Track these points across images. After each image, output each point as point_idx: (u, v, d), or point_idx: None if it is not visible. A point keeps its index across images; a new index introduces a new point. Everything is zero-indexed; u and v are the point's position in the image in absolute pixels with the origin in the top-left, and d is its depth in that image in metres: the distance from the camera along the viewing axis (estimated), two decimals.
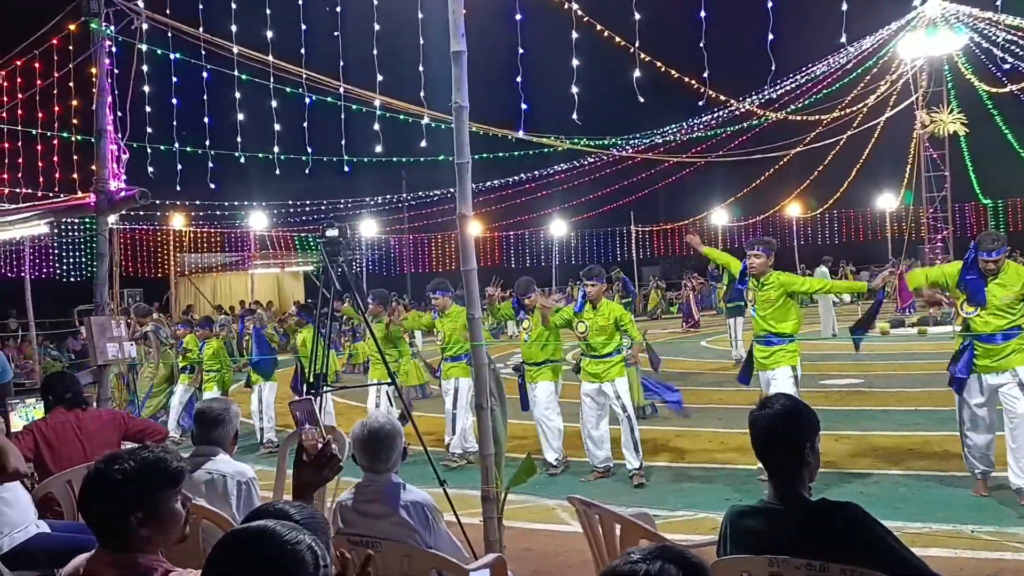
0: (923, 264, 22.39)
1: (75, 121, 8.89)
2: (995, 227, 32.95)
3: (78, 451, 4.69)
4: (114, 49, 6.97)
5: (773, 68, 6.47)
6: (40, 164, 9.97)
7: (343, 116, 9.30)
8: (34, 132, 9.52)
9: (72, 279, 25.75)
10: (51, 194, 9.41)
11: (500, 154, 19.82)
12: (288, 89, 9.12)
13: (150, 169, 8.67)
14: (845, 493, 6.08)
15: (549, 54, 8.33)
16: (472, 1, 4.37)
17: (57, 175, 9.55)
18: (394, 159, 21.26)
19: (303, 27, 8.34)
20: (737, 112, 21.77)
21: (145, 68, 7.44)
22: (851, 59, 21.43)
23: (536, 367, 7.77)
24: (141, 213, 22.65)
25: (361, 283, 28.72)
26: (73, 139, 9.39)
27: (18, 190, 10.22)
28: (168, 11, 7.41)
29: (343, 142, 9.68)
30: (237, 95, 8.88)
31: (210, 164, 10.30)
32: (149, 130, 8.20)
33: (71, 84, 8.27)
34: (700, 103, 16.43)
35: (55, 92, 8.54)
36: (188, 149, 10.29)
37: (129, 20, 6.93)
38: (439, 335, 8.47)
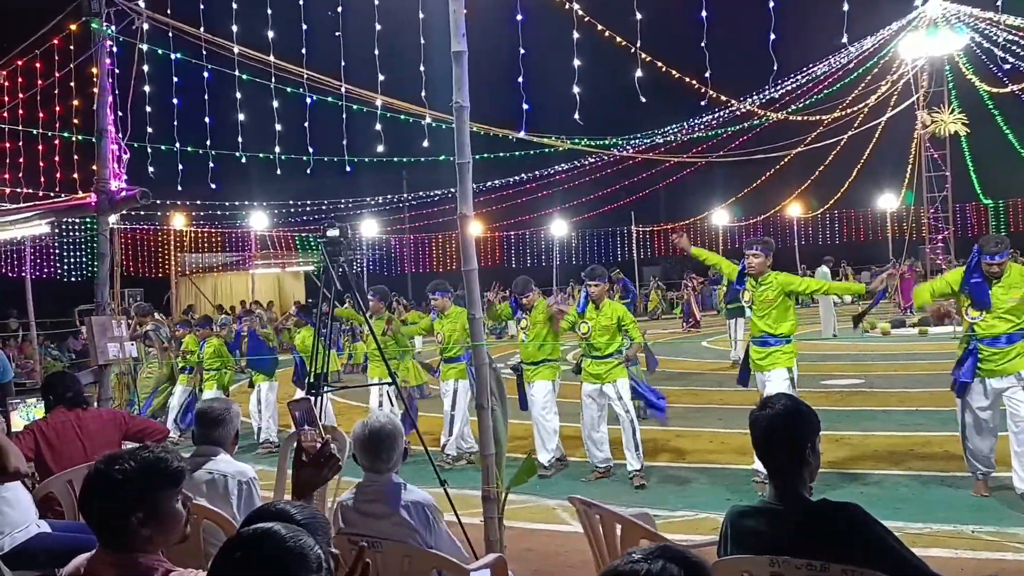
0: (923, 264, 22.44)
1: (76, 121, 8.90)
2: (996, 227, 32.98)
3: (79, 451, 4.69)
4: (115, 49, 6.97)
5: (775, 68, 6.45)
6: (41, 164, 9.98)
7: (344, 116, 9.31)
8: (35, 132, 9.52)
9: (73, 279, 25.76)
10: (52, 194, 9.42)
11: (501, 154, 19.82)
12: (289, 89, 9.12)
13: (151, 169, 8.68)
14: (846, 493, 6.08)
15: (550, 54, 8.34)
16: (473, 1, 4.37)
17: (58, 175, 9.57)
18: (395, 159, 21.27)
19: (304, 27, 8.35)
20: (738, 112, 21.76)
21: (146, 68, 7.44)
22: (852, 59, 21.42)
23: (534, 366, 7.77)
24: (142, 213, 22.66)
25: (362, 283, 28.71)
26: (74, 139, 9.40)
27: (19, 190, 10.23)
28: (169, 11, 7.41)
29: (344, 142, 9.69)
30: (238, 95, 8.88)
31: (211, 164, 10.31)
32: (150, 130, 8.20)
33: (72, 84, 8.28)
34: (702, 103, 16.43)
35: (56, 92, 8.54)
36: (189, 149, 10.30)
37: (130, 20, 6.93)
38: (438, 336, 8.47)
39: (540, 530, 5.91)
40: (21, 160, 10.08)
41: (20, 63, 8.50)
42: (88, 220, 19.37)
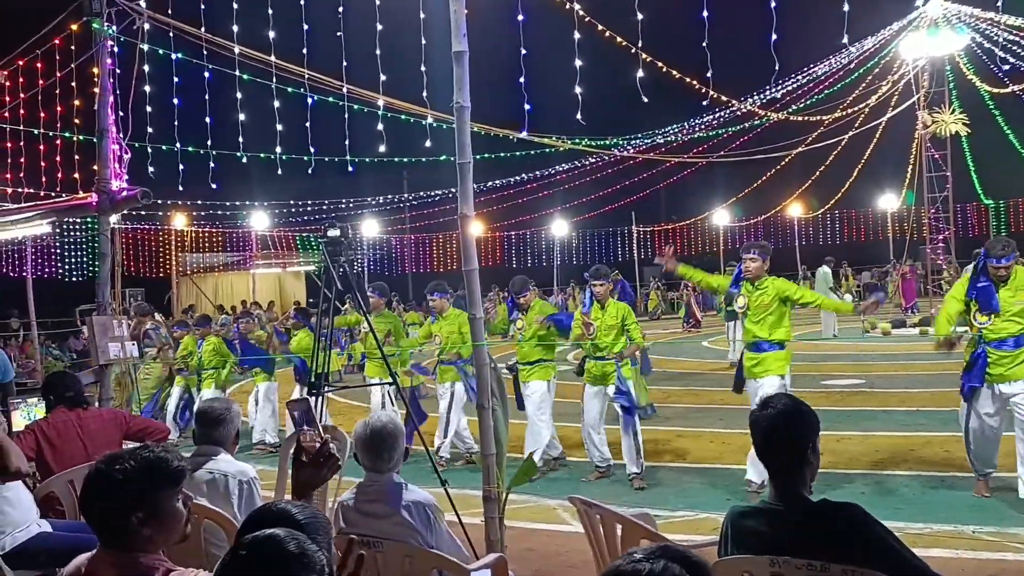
0: (924, 265, 22.43)
1: (77, 121, 8.90)
2: (997, 228, 32.95)
3: (80, 450, 4.70)
4: (116, 49, 6.97)
5: (776, 68, 6.44)
6: (42, 164, 9.98)
7: (346, 116, 9.31)
8: (36, 132, 9.52)
9: (74, 279, 25.78)
10: (53, 194, 9.42)
11: (502, 154, 19.82)
12: (290, 89, 9.12)
13: (151, 169, 8.68)
14: (846, 494, 6.08)
15: (550, 54, 8.32)
16: (473, 1, 4.37)
17: (59, 175, 9.57)
18: (396, 159, 21.27)
19: (305, 27, 8.35)
20: (739, 112, 21.75)
21: (147, 68, 7.44)
22: (853, 59, 21.42)
23: (530, 366, 7.75)
24: (143, 213, 22.69)
25: (363, 283, 28.70)
26: (75, 139, 9.40)
27: (20, 189, 10.23)
28: (170, 11, 7.41)
29: (347, 142, 9.69)
30: (239, 95, 8.88)
31: (211, 164, 10.31)
32: (150, 130, 8.20)
33: (73, 84, 8.28)
34: (704, 103, 16.45)
35: (57, 92, 8.54)
36: (190, 149, 10.31)
37: (131, 20, 6.93)
38: (436, 338, 8.45)
39: (541, 530, 5.91)
40: (22, 160, 10.09)
41: (21, 63, 8.50)
42: (89, 220, 19.39)
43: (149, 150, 8.51)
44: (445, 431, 8.18)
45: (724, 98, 19.93)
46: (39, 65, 8.27)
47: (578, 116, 7.17)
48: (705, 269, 7.58)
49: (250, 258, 31.24)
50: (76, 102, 8.54)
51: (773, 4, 6.10)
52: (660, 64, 13.91)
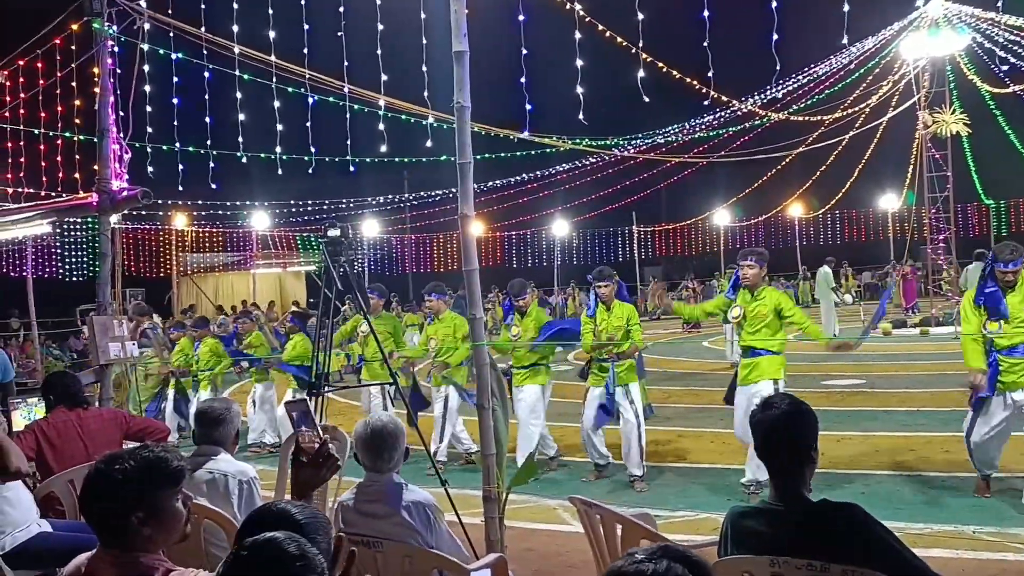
0: (925, 265, 22.41)
1: (77, 121, 8.91)
2: (997, 228, 32.95)
3: (80, 450, 4.70)
4: (116, 49, 6.97)
5: (778, 68, 6.43)
6: (43, 164, 9.99)
7: (348, 116, 9.31)
8: (37, 132, 9.53)
9: (74, 279, 25.79)
10: (53, 194, 9.43)
11: (502, 154, 19.81)
12: (290, 89, 9.12)
13: (150, 169, 8.67)
14: (847, 494, 6.08)
15: (551, 54, 8.32)
16: (474, 1, 4.37)
17: (60, 175, 9.58)
18: (396, 159, 21.27)
19: (306, 27, 8.35)
20: (739, 112, 21.74)
21: (147, 68, 7.44)
22: (854, 59, 21.40)
23: (524, 370, 7.72)
24: (143, 213, 22.70)
25: (363, 283, 28.71)
26: (75, 139, 9.41)
27: (21, 189, 10.24)
28: (170, 11, 7.41)
29: (348, 142, 9.70)
30: (239, 95, 8.89)
31: (211, 164, 10.31)
32: (150, 130, 8.20)
33: (74, 84, 8.28)
34: (705, 103, 16.44)
35: (58, 92, 8.55)
36: (191, 149, 10.31)
37: (131, 20, 6.93)
38: (432, 341, 8.43)
39: (541, 530, 5.91)
40: (23, 160, 10.09)
41: (22, 63, 8.51)
42: (89, 220, 19.40)
43: (149, 150, 8.51)
44: (440, 435, 8.13)
45: (725, 98, 19.92)
46: (39, 65, 8.28)
47: (580, 116, 7.17)
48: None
49: (250, 258, 31.26)
50: (76, 102, 8.55)
51: (774, 4, 6.10)
52: (661, 64, 13.90)
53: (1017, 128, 22.30)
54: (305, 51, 8.58)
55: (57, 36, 7.79)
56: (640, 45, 8.00)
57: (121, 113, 6.98)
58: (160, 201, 21.09)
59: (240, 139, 9.76)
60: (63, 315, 19.72)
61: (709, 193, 33.57)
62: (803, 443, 2.64)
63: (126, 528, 2.14)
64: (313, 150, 9.67)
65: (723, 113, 21.89)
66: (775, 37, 6.17)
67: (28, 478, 4.35)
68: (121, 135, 6.93)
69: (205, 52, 8.09)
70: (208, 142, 9.87)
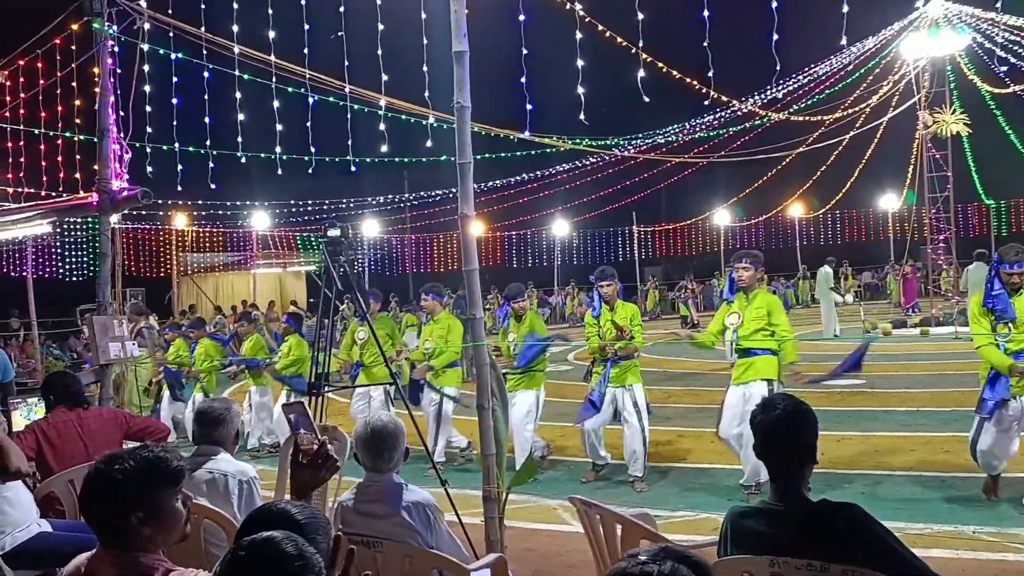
0: (925, 265, 22.42)
1: (78, 121, 8.92)
2: (998, 228, 32.95)
3: (80, 450, 4.70)
4: (116, 49, 6.98)
5: (778, 68, 6.43)
6: (43, 164, 10.00)
7: (348, 116, 9.31)
8: (37, 132, 9.53)
9: (74, 279, 25.81)
10: (54, 194, 9.44)
11: (502, 154, 19.82)
12: (290, 89, 9.13)
13: (149, 169, 8.68)
14: (846, 494, 6.08)
15: (551, 54, 8.33)
16: (474, 1, 4.37)
17: (60, 175, 9.58)
18: (396, 159, 21.28)
19: (306, 27, 8.36)
20: (739, 112, 21.74)
21: (147, 68, 7.45)
22: (854, 59, 21.41)
23: (518, 375, 7.68)
24: (144, 213, 22.71)
25: (363, 283, 28.73)
26: (76, 139, 9.41)
27: (21, 189, 10.24)
28: (170, 11, 7.42)
29: (350, 142, 9.71)
30: (238, 95, 8.89)
31: (211, 164, 10.32)
32: (149, 130, 8.21)
33: (74, 84, 8.29)
34: (705, 103, 16.45)
35: (58, 92, 8.56)
36: (191, 149, 10.32)
37: (131, 20, 6.93)
38: (428, 343, 8.41)
39: (541, 530, 5.91)
40: (23, 160, 10.10)
41: (22, 63, 8.51)
42: (90, 220, 19.43)
43: (149, 150, 8.52)
44: (435, 438, 8.10)
45: (725, 98, 19.92)
46: (40, 65, 8.29)
47: (581, 116, 7.18)
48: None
49: (251, 258, 31.27)
50: (77, 102, 8.56)
51: (774, 4, 6.10)
52: (661, 64, 13.90)
53: (1017, 128, 22.30)
54: (305, 51, 8.58)
55: (57, 36, 7.80)
56: (640, 45, 8.01)
57: (121, 113, 6.99)
58: (160, 201, 21.11)
59: (239, 139, 9.77)
60: (63, 315, 19.73)
61: (709, 193, 33.59)
62: (803, 443, 2.64)
63: (126, 528, 2.14)
64: (313, 150, 9.68)
65: (723, 113, 21.89)
66: (775, 37, 6.17)
67: (28, 478, 4.35)
68: (121, 135, 6.93)
69: (205, 52, 8.10)
70: (208, 142, 9.88)
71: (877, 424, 8.78)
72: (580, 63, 6.88)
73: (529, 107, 7.66)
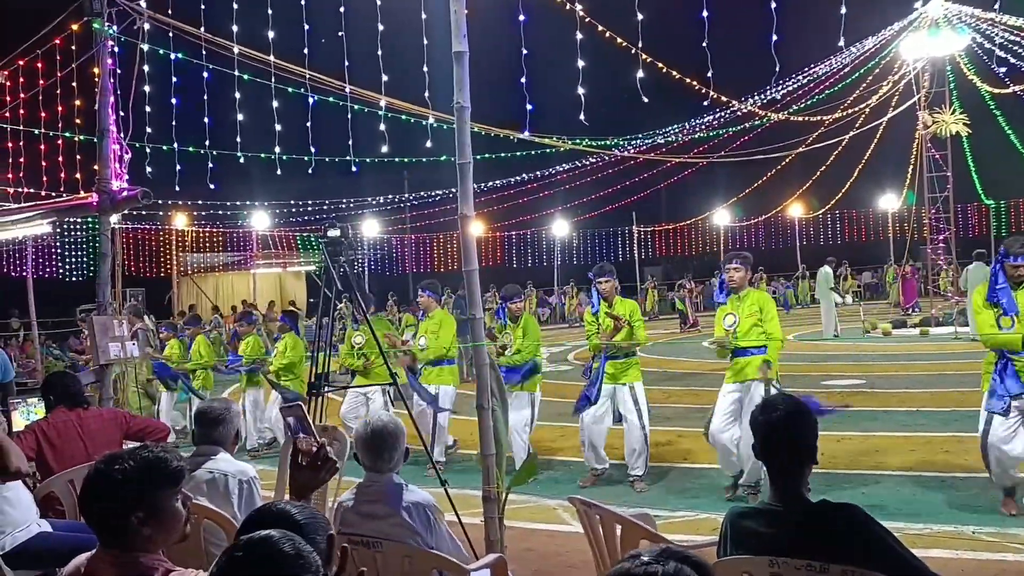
0: (925, 265, 22.42)
1: (78, 121, 8.92)
2: (997, 228, 32.92)
3: (80, 450, 4.70)
4: (116, 49, 6.98)
5: (777, 69, 6.43)
6: (43, 164, 10.00)
7: (349, 116, 9.31)
8: (37, 132, 9.53)
9: (74, 279, 25.81)
10: (54, 194, 9.43)
11: (502, 154, 19.82)
12: (290, 89, 9.13)
13: (149, 169, 8.69)
14: (846, 494, 6.07)
15: (551, 55, 8.33)
16: (474, 2, 4.37)
17: (63, 175, 9.58)
18: (396, 159, 21.27)
19: (306, 27, 8.36)
20: (739, 113, 21.74)
21: (147, 68, 7.45)
22: (854, 59, 21.41)
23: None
24: (144, 213, 22.71)
25: (363, 283, 28.75)
26: (76, 139, 9.41)
27: (21, 189, 10.24)
28: (170, 11, 7.42)
29: (350, 142, 9.71)
30: (238, 95, 8.89)
31: (210, 164, 10.32)
32: (149, 130, 8.21)
33: (74, 84, 8.29)
34: (705, 103, 16.44)
35: (58, 92, 8.56)
36: (191, 149, 10.32)
37: (131, 20, 6.93)
38: (422, 339, 8.40)
39: (540, 530, 5.91)
40: (23, 160, 10.10)
41: (22, 63, 8.51)
42: (89, 220, 19.44)
43: (149, 150, 8.52)
44: (434, 437, 8.08)
45: (724, 98, 19.92)
46: (40, 65, 8.29)
47: (581, 117, 7.18)
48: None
49: (251, 258, 31.27)
50: (77, 102, 8.55)
51: (773, 5, 6.10)
52: (660, 65, 13.91)
53: (1017, 128, 22.29)
54: (305, 51, 8.58)
55: (57, 36, 7.80)
56: (640, 46, 8.01)
57: (121, 113, 6.99)
58: (160, 201, 21.09)
59: (238, 139, 9.77)
60: (63, 315, 19.73)
61: (709, 193, 33.58)
62: (803, 443, 2.65)
63: (126, 528, 2.14)
64: (313, 150, 9.68)
65: (723, 113, 21.89)
66: (774, 38, 6.18)
67: (28, 478, 4.35)
68: (121, 135, 6.93)
69: (204, 52, 8.10)
70: (207, 142, 9.89)
71: (877, 424, 8.78)
72: (580, 63, 6.88)
73: (529, 107, 7.66)
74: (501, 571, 3.43)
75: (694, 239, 37.95)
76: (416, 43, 7.38)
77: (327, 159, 12.69)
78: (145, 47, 7.21)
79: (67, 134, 9.43)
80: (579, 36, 7.09)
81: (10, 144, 9.76)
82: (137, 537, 2.15)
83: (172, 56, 7.90)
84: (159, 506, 2.19)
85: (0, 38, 9.63)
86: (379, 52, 7.85)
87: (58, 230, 23.73)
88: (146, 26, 7.04)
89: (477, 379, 4.30)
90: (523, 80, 7.10)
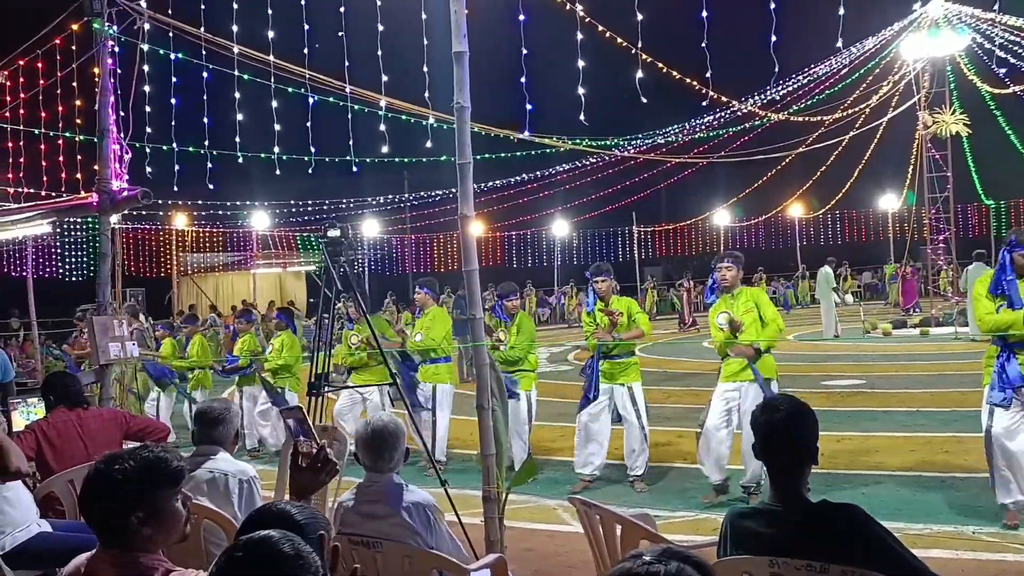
0: (925, 265, 22.42)
1: (78, 121, 8.92)
2: (998, 228, 32.92)
3: (80, 450, 4.70)
4: (116, 49, 6.98)
5: (776, 70, 6.44)
6: (43, 164, 10.00)
7: (349, 117, 9.32)
8: (37, 132, 9.54)
9: (74, 279, 25.81)
10: (54, 194, 9.44)
11: (502, 154, 19.83)
12: (290, 89, 9.13)
13: (149, 169, 8.68)
14: (846, 494, 6.07)
15: (551, 55, 8.34)
16: (474, 2, 4.37)
17: (64, 175, 9.58)
18: (396, 159, 21.28)
19: (306, 27, 8.36)
20: (739, 113, 21.75)
21: (147, 68, 7.45)
22: (854, 60, 21.42)
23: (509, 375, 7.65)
24: (144, 212, 22.72)
25: (363, 283, 28.74)
26: (76, 139, 9.42)
27: (21, 189, 10.25)
28: (170, 11, 7.42)
29: (351, 142, 9.71)
30: (238, 95, 8.89)
31: (209, 164, 10.32)
32: (149, 130, 8.21)
33: (74, 84, 8.29)
34: (704, 103, 16.44)
35: (58, 92, 8.56)
36: (191, 149, 10.32)
37: (132, 20, 6.93)
38: (417, 335, 8.39)
39: (540, 530, 5.91)
40: (23, 160, 10.10)
41: (22, 63, 8.52)
42: (89, 220, 19.44)
43: (149, 150, 8.52)
44: (434, 434, 8.07)
45: (724, 99, 19.93)
46: (40, 65, 8.29)
47: (581, 117, 7.17)
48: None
49: (251, 258, 31.28)
50: (77, 102, 8.55)
51: (772, 5, 6.11)
52: (660, 65, 13.91)
53: (1017, 128, 22.30)
54: (305, 51, 8.59)
55: (57, 36, 7.80)
56: (639, 46, 8.01)
57: (121, 113, 6.99)
58: (160, 201, 21.10)
59: (238, 139, 9.76)
60: (63, 315, 19.69)
61: (709, 193, 33.59)
62: (803, 443, 2.65)
63: (126, 528, 2.14)
64: (313, 150, 9.68)
65: (723, 113, 21.90)
66: (773, 39, 6.18)
67: (28, 478, 4.35)
68: (121, 135, 6.93)
69: (204, 52, 8.10)
70: (207, 142, 9.89)
71: (877, 424, 8.78)
72: (580, 63, 6.88)
73: (529, 107, 7.66)
74: (501, 571, 3.43)
75: (694, 239, 37.96)
76: (416, 43, 7.39)
77: (327, 159, 12.71)
78: (145, 47, 7.21)
79: (67, 134, 9.44)
80: (579, 36, 7.09)
81: (10, 144, 9.76)
82: (137, 537, 2.15)
83: (172, 56, 7.90)
84: (159, 506, 2.19)
85: (0, 38, 9.64)
86: (379, 52, 7.85)
87: (58, 230, 23.74)
88: (146, 26, 7.04)
89: (477, 379, 4.30)
90: (523, 80, 7.10)
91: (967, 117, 19.49)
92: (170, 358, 10.54)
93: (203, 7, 8.01)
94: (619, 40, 11.19)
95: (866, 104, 22.63)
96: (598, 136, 22.03)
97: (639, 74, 7.50)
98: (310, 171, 9.87)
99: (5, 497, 4.12)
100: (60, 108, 8.88)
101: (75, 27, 7.44)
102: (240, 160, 10.19)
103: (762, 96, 21.44)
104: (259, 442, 9.61)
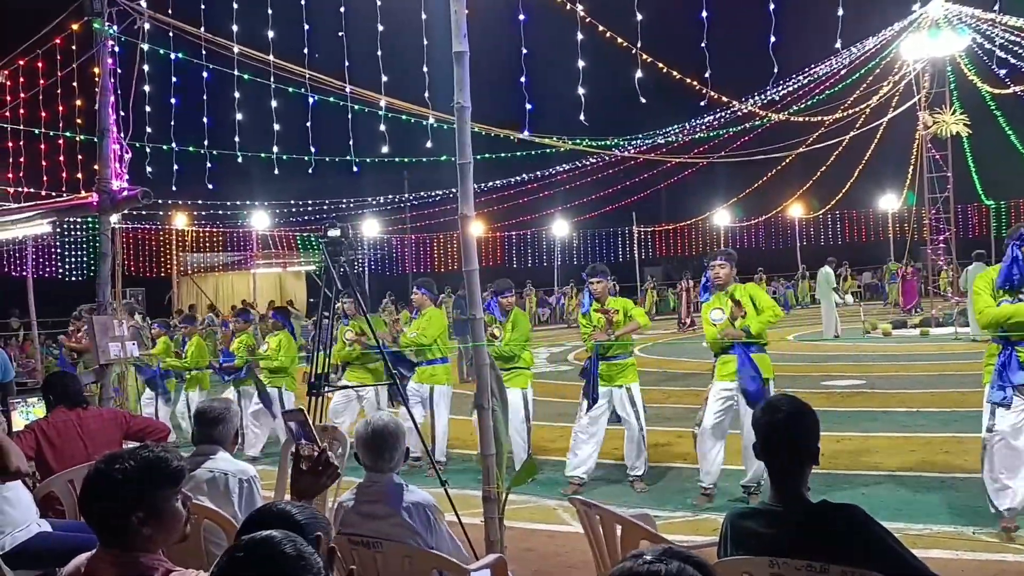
0: (925, 265, 22.43)
1: (78, 120, 8.92)
2: (998, 228, 32.91)
3: (80, 450, 4.70)
4: (116, 49, 6.98)
5: (775, 71, 6.44)
6: (43, 163, 10.00)
7: (349, 116, 9.32)
8: (37, 132, 9.54)
9: (74, 279, 25.81)
10: (54, 193, 9.44)
11: (502, 154, 19.83)
12: (290, 89, 9.13)
13: (149, 169, 8.68)
14: (847, 494, 6.07)
15: (551, 54, 8.34)
16: (474, 1, 4.37)
17: (64, 175, 9.58)
18: (396, 159, 21.28)
19: (306, 27, 8.36)
20: (739, 113, 21.75)
21: (147, 68, 7.45)
22: (854, 60, 21.42)
23: (504, 372, 7.60)
24: (144, 212, 22.73)
25: (363, 283, 28.73)
26: (76, 139, 9.42)
27: (21, 189, 10.25)
28: (170, 11, 7.42)
29: (351, 142, 9.71)
30: (237, 95, 8.89)
31: (209, 164, 10.31)
32: (149, 130, 8.21)
33: (74, 83, 8.29)
34: (702, 103, 16.44)
35: (58, 91, 8.56)
36: (191, 149, 10.32)
37: (132, 20, 6.93)
38: (412, 334, 8.38)
39: (540, 530, 5.91)
40: (23, 160, 10.11)
41: (22, 63, 8.52)
42: (89, 220, 19.45)
43: (149, 150, 8.52)
44: (433, 435, 8.04)
45: (724, 99, 19.93)
46: (40, 65, 8.29)
47: (581, 117, 7.17)
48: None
49: (251, 258, 31.28)
50: (77, 102, 8.56)
51: (772, 6, 6.11)
52: (660, 65, 13.91)
53: (1017, 128, 22.31)
54: (305, 51, 8.59)
55: (57, 36, 7.80)
56: (639, 46, 8.01)
57: (121, 113, 6.99)
58: (160, 201, 21.10)
59: (237, 139, 9.76)
60: (63, 315, 19.69)
61: (709, 193, 33.60)
62: (804, 444, 2.65)
63: (126, 528, 2.14)
64: (313, 150, 9.68)
65: (723, 113, 21.90)
66: (773, 39, 6.18)
67: (28, 478, 4.35)
68: (121, 135, 6.93)
69: (204, 52, 8.10)
70: (207, 142, 9.89)
71: (877, 425, 8.78)
72: (580, 63, 6.88)
73: (529, 107, 7.66)
74: (501, 571, 3.42)
75: (694, 239, 37.95)
76: (416, 43, 7.38)
77: (327, 159, 12.71)
78: (145, 47, 7.22)
79: (67, 134, 9.44)
80: (579, 36, 7.09)
81: (10, 144, 9.76)
82: (137, 537, 2.15)
83: (172, 56, 7.90)
84: (159, 506, 2.19)
85: (0, 38, 9.64)
86: (379, 52, 7.85)
87: (58, 230, 23.74)
88: (146, 26, 7.05)
89: (477, 379, 4.30)
90: (523, 80, 7.10)
91: (967, 117, 19.49)
92: (162, 355, 10.51)
93: (203, 7, 8.01)
94: (619, 40, 11.19)
95: (866, 104, 22.64)
96: (598, 136, 22.04)
97: (639, 74, 7.51)
98: (310, 171, 9.88)
99: (5, 497, 4.12)
100: (60, 108, 8.88)
101: (75, 27, 7.44)
102: (240, 160, 10.20)
103: (762, 96, 21.44)
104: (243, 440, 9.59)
